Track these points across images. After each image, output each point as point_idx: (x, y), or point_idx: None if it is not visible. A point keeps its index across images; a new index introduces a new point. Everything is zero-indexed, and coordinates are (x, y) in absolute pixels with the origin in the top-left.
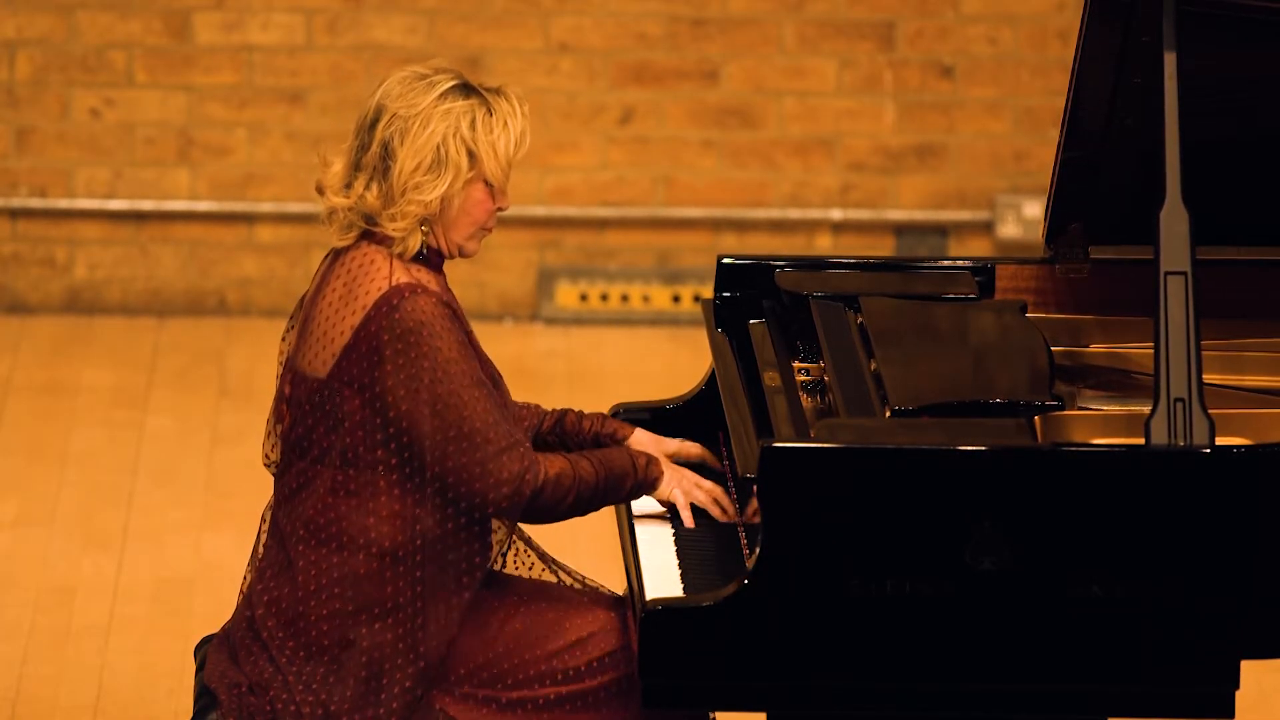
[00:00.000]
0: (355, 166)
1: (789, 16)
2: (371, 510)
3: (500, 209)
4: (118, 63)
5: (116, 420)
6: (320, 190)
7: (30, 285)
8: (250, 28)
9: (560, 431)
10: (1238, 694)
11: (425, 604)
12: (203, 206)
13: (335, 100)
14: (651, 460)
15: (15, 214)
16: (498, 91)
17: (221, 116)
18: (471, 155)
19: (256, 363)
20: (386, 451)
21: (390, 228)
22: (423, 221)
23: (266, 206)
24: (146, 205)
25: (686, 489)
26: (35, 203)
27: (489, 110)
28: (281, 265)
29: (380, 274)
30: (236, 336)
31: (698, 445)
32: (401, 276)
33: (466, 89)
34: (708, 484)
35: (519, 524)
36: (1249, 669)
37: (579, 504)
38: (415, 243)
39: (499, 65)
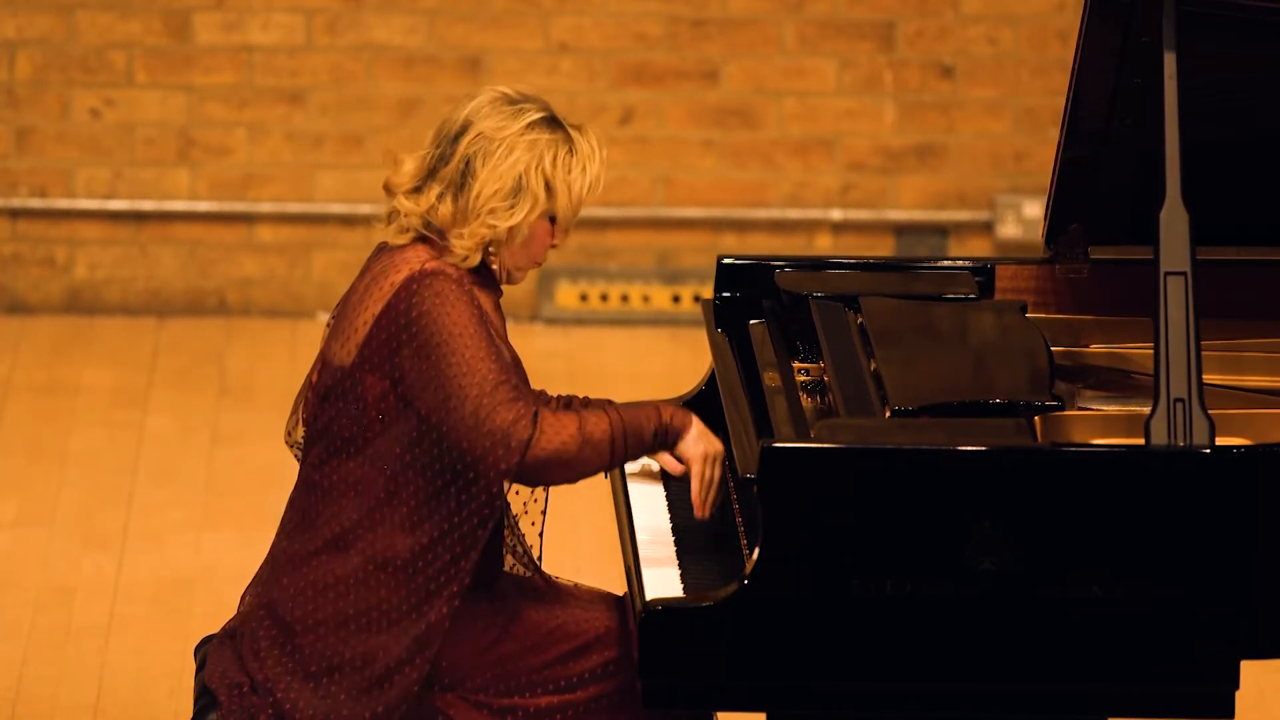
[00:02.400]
0: (430, 174)
1: (789, 16)
2: (371, 511)
3: (554, 246)
4: (118, 63)
5: (116, 420)
6: (389, 190)
7: (30, 285)
8: (250, 28)
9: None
10: (1238, 694)
11: (418, 611)
12: (203, 206)
13: (335, 100)
14: (678, 411)
15: (15, 214)
16: (581, 130)
17: (221, 116)
18: (549, 189)
19: (256, 363)
20: (394, 440)
21: (456, 244)
22: (489, 244)
23: (266, 206)
24: (146, 205)
25: (708, 456)
26: (35, 203)
27: (571, 150)
28: (281, 265)
29: (414, 262)
30: (236, 336)
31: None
32: (430, 263)
33: (553, 123)
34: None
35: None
36: (1249, 669)
37: (591, 453)
38: (475, 261)
39: (499, 65)
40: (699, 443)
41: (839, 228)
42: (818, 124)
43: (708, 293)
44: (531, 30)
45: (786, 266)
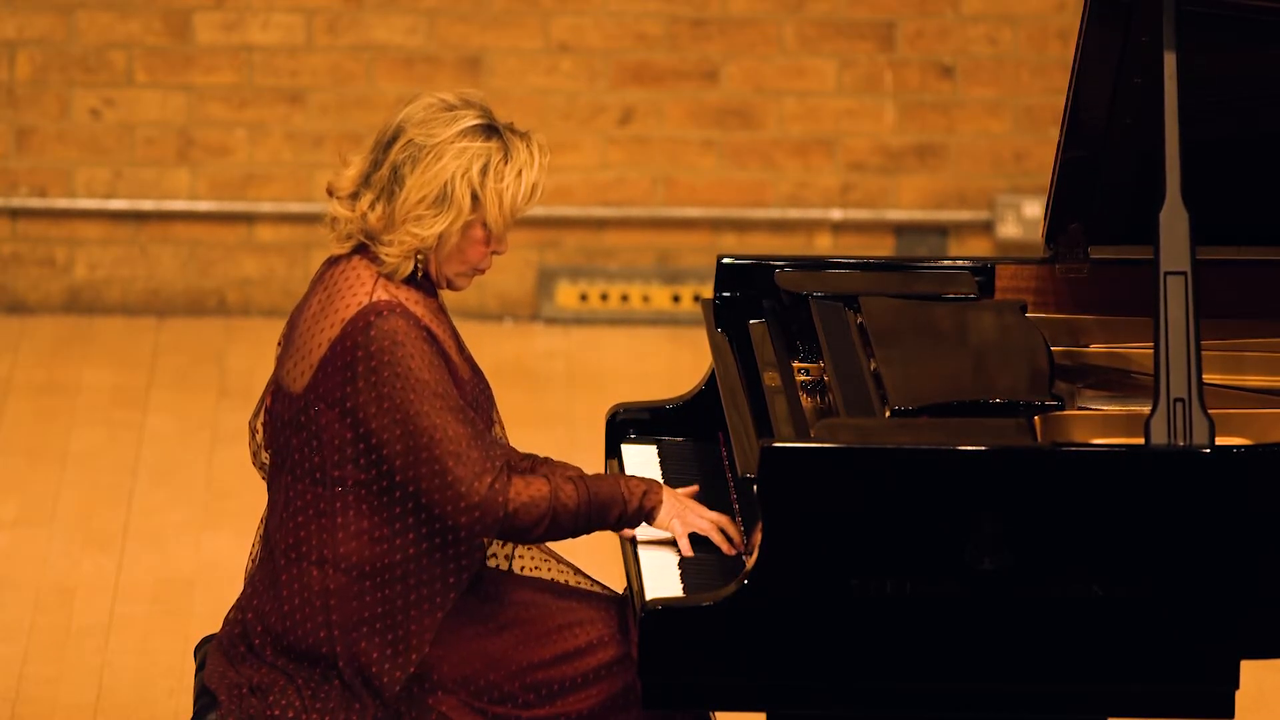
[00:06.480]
0: (365, 180)
1: (789, 16)
2: (341, 527)
3: (496, 253)
4: (118, 63)
5: (116, 420)
6: (330, 192)
7: (30, 285)
8: (250, 28)
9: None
10: (1238, 694)
11: (406, 617)
12: (203, 206)
13: (335, 100)
14: (650, 489)
15: (15, 214)
16: (522, 136)
17: (221, 116)
18: (475, 198)
19: (256, 363)
20: (356, 468)
21: (384, 252)
22: (417, 252)
23: (266, 206)
24: (146, 205)
25: (687, 519)
26: (35, 203)
27: (505, 157)
28: (281, 265)
29: (361, 289)
30: (236, 336)
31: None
32: (381, 294)
33: (489, 130)
34: (711, 514)
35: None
36: (1249, 669)
37: (556, 528)
38: (406, 270)
39: (499, 65)
40: (670, 515)
41: (839, 228)
42: (818, 124)
43: (708, 293)
44: (531, 30)
45: (786, 266)
